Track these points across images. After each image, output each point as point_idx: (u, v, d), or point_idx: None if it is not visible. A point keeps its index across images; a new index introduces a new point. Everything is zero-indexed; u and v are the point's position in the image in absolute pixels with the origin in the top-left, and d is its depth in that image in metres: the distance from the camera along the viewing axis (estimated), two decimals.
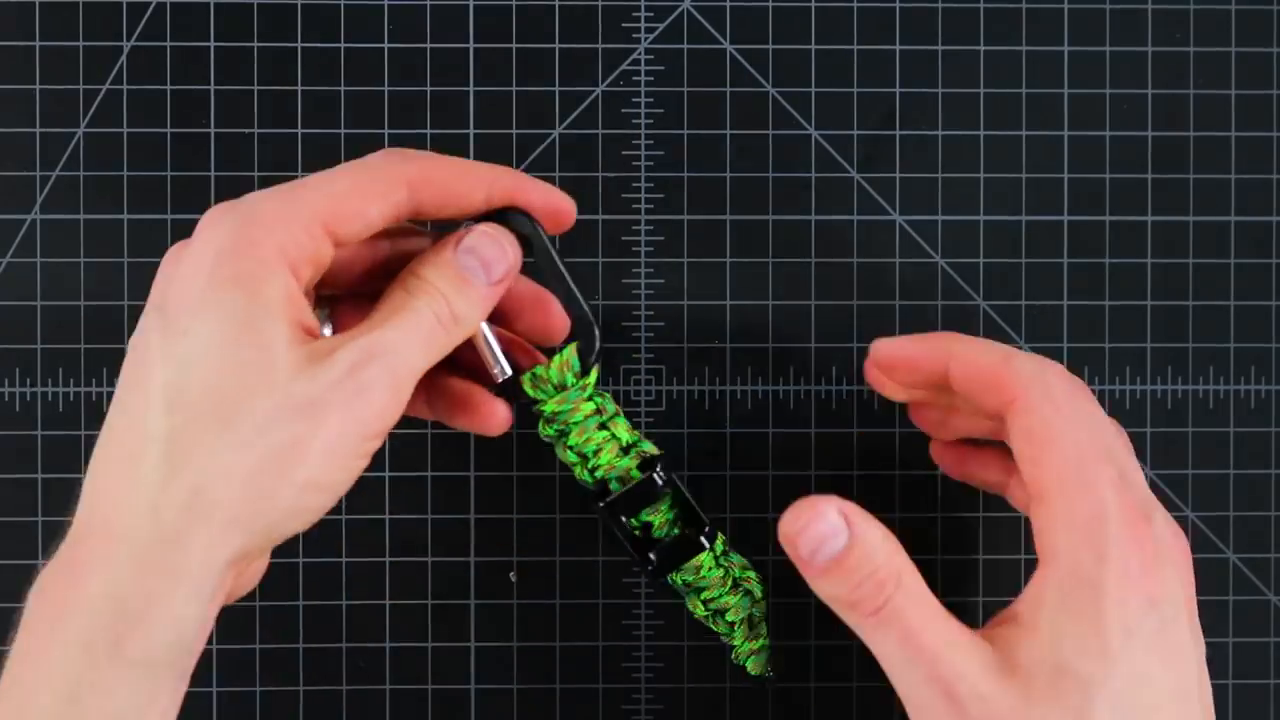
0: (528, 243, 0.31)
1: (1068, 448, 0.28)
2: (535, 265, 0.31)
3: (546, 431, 0.33)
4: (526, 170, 0.37)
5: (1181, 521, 0.38)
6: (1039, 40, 0.38)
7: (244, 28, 0.37)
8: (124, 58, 0.37)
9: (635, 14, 0.37)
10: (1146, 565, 0.27)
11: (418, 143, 0.37)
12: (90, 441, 0.37)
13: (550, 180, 0.37)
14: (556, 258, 0.31)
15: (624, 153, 0.37)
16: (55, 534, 0.37)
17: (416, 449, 0.37)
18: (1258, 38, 0.38)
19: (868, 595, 0.27)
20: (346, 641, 0.37)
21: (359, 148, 0.37)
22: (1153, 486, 0.37)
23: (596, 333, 0.32)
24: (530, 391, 0.32)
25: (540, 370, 0.32)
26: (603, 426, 0.33)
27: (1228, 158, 0.38)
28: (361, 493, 0.37)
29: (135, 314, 0.37)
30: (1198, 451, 0.38)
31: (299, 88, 0.37)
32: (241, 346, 0.26)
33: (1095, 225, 0.38)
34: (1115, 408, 0.37)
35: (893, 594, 0.27)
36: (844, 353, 0.37)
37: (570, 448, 0.33)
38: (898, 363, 0.31)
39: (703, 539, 0.33)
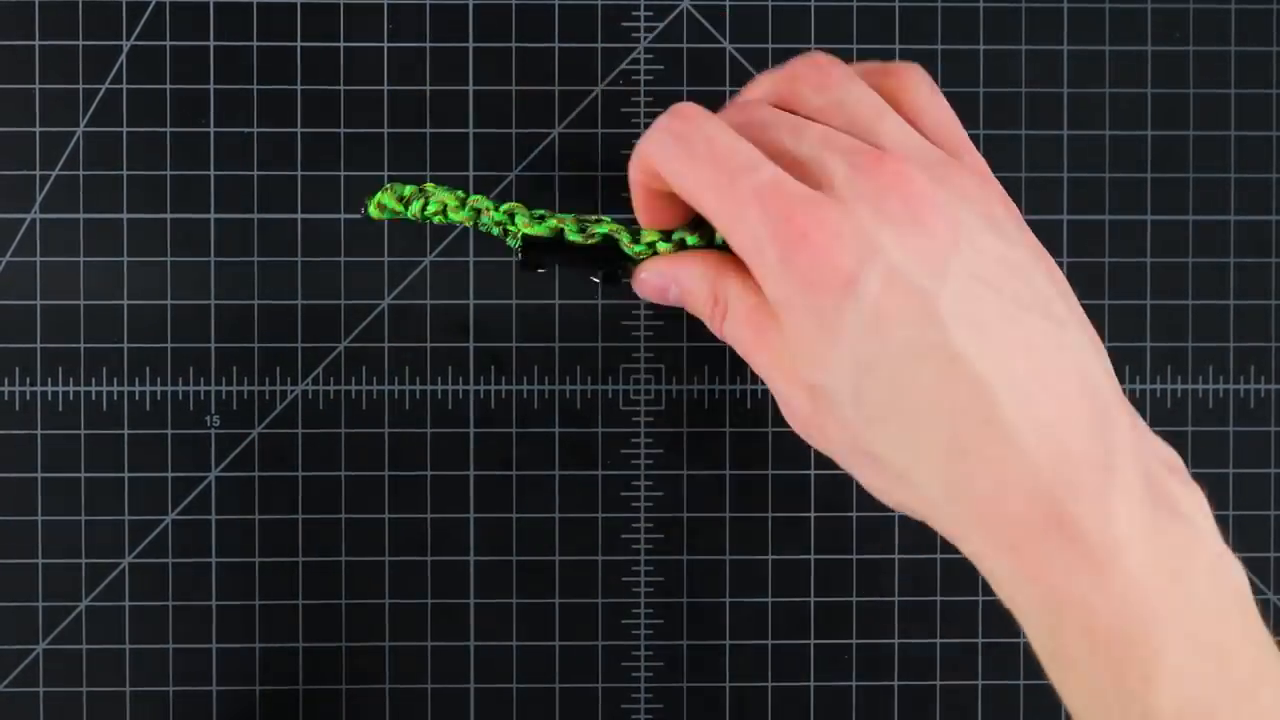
0: None
1: (704, 197, 0.28)
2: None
3: (495, 230, 0.33)
4: (525, 170, 0.37)
5: None
6: (1038, 40, 0.38)
7: (244, 27, 0.37)
8: (124, 57, 0.37)
9: (635, 13, 0.37)
10: (817, 252, 0.27)
11: (417, 142, 0.37)
12: (90, 441, 0.37)
13: (549, 180, 0.37)
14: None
15: (623, 152, 0.37)
16: (55, 534, 0.37)
17: (417, 449, 0.37)
18: (1257, 37, 0.38)
19: (710, 314, 0.31)
20: (346, 641, 0.37)
21: (359, 148, 0.37)
22: None
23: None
24: (376, 213, 0.34)
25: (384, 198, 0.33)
26: (462, 205, 0.33)
27: (1227, 157, 0.38)
28: (362, 492, 0.37)
29: (135, 313, 0.37)
30: (1197, 451, 0.38)
31: (298, 87, 0.37)
32: None
33: (1095, 225, 0.38)
34: None
35: (725, 306, 0.31)
36: None
37: (498, 224, 0.33)
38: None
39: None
